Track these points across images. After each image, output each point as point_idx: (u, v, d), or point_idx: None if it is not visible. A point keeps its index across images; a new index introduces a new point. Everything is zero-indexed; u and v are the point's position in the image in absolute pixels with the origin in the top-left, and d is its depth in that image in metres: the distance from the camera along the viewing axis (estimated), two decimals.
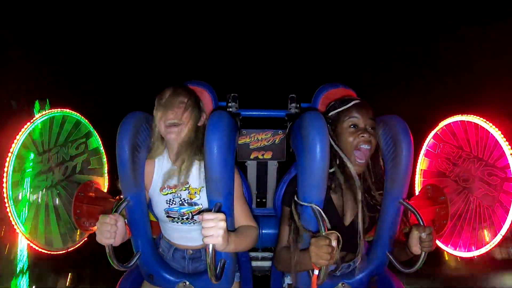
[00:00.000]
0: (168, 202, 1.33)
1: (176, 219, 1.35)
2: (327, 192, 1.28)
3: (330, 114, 1.34)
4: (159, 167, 1.35)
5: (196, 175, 1.32)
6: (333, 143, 1.27)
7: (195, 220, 1.34)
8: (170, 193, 1.33)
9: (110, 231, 1.11)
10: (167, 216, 1.35)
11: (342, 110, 1.30)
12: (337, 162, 1.27)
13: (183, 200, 1.33)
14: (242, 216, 1.30)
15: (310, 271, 1.17)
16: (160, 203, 1.34)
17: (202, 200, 1.31)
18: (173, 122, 1.26)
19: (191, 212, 1.33)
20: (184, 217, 1.34)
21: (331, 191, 1.31)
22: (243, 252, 1.66)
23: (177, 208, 1.33)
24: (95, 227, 1.66)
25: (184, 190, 1.33)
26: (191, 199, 1.33)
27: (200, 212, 1.32)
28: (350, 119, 1.26)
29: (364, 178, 1.33)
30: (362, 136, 1.23)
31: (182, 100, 1.28)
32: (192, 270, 1.43)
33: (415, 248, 1.17)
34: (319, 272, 1.10)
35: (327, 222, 1.12)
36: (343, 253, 1.36)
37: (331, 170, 1.27)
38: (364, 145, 1.24)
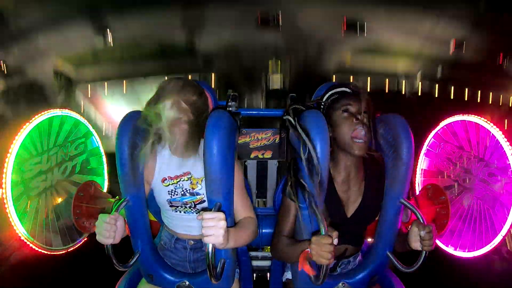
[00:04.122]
0: (170, 192, 1.34)
1: (179, 207, 1.35)
2: (330, 183, 1.28)
3: (324, 100, 1.33)
4: (161, 159, 1.36)
5: (197, 165, 1.32)
6: (330, 134, 1.24)
7: (198, 209, 1.34)
8: (172, 184, 1.34)
9: (110, 230, 1.12)
10: (170, 206, 1.36)
11: (335, 99, 1.29)
12: (339, 148, 1.27)
13: (185, 190, 1.33)
14: (241, 208, 1.30)
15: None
16: (162, 194, 1.35)
17: (204, 190, 1.31)
18: (178, 117, 1.24)
19: (193, 202, 1.34)
20: (187, 206, 1.35)
21: (335, 181, 1.31)
22: (243, 251, 1.66)
23: (180, 198, 1.34)
24: (95, 227, 1.66)
25: (186, 180, 1.33)
26: (193, 189, 1.33)
27: (200, 211, 1.31)
28: (343, 106, 1.25)
29: (367, 169, 1.33)
30: (357, 119, 1.22)
31: (188, 97, 1.26)
32: (194, 261, 1.43)
33: (415, 244, 1.17)
34: (319, 271, 1.10)
35: (326, 222, 1.11)
36: (345, 246, 1.35)
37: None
38: (360, 127, 1.22)
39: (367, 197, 1.34)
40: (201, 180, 1.33)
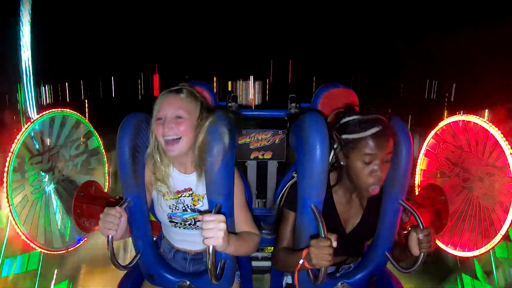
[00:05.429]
0: (171, 207, 1.33)
1: (178, 224, 1.35)
2: (331, 199, 1.28)
3: (343, 136, 1.19)
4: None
5: (199, 182, 1.30)
6: (342, 162, 1.22)
7: (198, 226, 1.33)
8: (173, 199, 1.33)
9: (114, 222, 1.12)
10: (170, 221, 1.35)
11: (359, 138, 1.15)
12: (349, 180, 1.24)
13: (186, 206, 1.33)
14: (244, 223, 1.29)
15: (309, 270, 1.18)
16: (163, 208, 1.34)
17: (205, 207, 1.31)
18: (171, 138, 1.20)
19: (193, 218, 1.33)
20: (187, 223, 1.34)
21: (336, 194, 1.31)
22: None
23: (180, 214, 1.33)
24: (96, 227, 1.66)
25: (188, 196, 1.32)
26: (194, 205, 1.32)
27: (200, 213, 1.32)
28: (367, 153, 1.14)
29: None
30: (376, 176, 1.16)
31: (179, 114, 1.22)
32: (193, 271, 1.43)
33: (415, 250, 1.17)
34: (318, 272, 1.10)
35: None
36: (345, 257, 1.36)
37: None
38: (377, 183, 1.17)
39: (367, 216, 1.34)
40: (203, 197, 1.31)
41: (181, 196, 1.32)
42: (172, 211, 1.33)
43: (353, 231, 1.33)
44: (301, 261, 1.10)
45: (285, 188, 1.35)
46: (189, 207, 1.32)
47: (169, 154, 1.23)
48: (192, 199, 1.32)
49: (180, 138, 1.21)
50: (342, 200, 1.31)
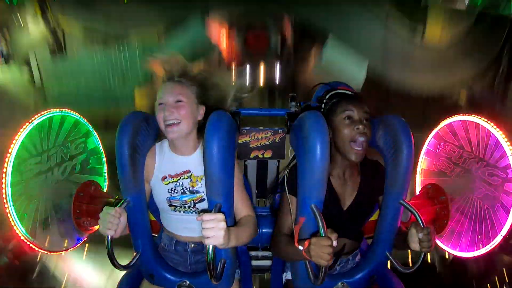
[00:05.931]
0: (170, 191, 1.35)
1: (178, 207, 1.36)
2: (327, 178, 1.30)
3: (324, 104, 1.36)
4: (161, 158, 1.37)
5: (197, 163, 1.33)
6: (329, 135, 1.27)
7: (197, 209, 1.35)
8: (172, 182, 1.35)
9: (113, 222, 1.14)
10: (170, 205, 1.36)
11: (337, 102, 1.30)
12: (337, 151, 1.30)
13: (185, 189, 1.34)
14: (241, 206, 1.31)
15: (309, 271, 1.17)
16: (162, 193, 1.36)
17: (203, 188, 1.32)
18: (171, 122, 1.26)
19: (193, 200, 1.35)
20: (186, 205, 1.35)
21: (331, 176, 1.32)
22: (243, 252, 1.66)
23: (179, 197, 1.35)
24: (95, 227, 1.67)
25: (186, 178, 1.34)
26: (192, 187, 1.34)
27: (200, 212, 1.32)
28: (345, 112, 1.26)
29: (363, 165, 1.37)
30: (357, 128, 1.24)
31: (179, 99, 1.29)
32: (195, 262, 1.44)
33: (413, 245, 1.18)
34: (318, 271, 1.10)
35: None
36: (343, 241, 1.35)
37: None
38: (360, 137, 1.24)
39: (362, 192, 1.37)
40: (201, 178, 1.33)
41: (179, 179, 1.34)
42: (171, 195, 1.35)
43: (350, 208, 1.35)
44: (300, 247, 1.11)
45: (285, 171, 1.36)
46: (188, 189, 1.34)
47: (169, 136, 1.28)
48: (190, 180, 1.34)
49: (180, 121, 1.27)
50: (337, 180, 1.34)
